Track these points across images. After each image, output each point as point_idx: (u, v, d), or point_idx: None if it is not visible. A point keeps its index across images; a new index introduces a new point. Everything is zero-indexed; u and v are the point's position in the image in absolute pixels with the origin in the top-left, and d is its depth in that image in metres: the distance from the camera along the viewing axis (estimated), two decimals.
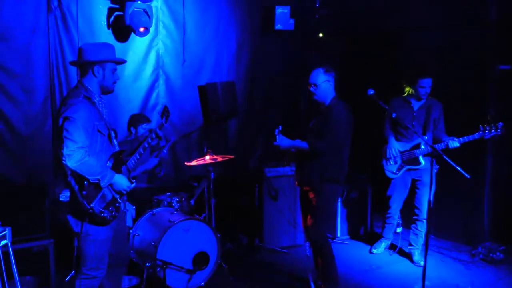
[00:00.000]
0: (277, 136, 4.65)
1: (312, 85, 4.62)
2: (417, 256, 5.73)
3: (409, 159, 5.52)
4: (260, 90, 7.26)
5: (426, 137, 5.41)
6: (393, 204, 5.81)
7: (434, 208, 5.54)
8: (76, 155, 3.52)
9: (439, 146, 5.23)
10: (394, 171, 5.65)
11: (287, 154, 4.99)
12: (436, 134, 5.46)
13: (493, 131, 5.08)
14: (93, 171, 3.62)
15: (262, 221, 6.12)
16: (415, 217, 5.73)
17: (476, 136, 5.14)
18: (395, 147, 5.59)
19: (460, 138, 5.19)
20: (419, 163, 5.47)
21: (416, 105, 5.56)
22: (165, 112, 4.11)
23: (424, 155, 5.44)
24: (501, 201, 6.03)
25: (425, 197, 5.57)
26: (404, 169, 5.58)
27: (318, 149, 4.53)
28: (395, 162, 5.61)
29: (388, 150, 5.63)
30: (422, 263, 5.32)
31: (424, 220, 5.64)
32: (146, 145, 4.05)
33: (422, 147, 5.42)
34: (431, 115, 5.48)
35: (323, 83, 4.59)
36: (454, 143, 5.19)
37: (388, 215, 5.90)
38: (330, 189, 4.66)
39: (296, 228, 6.17)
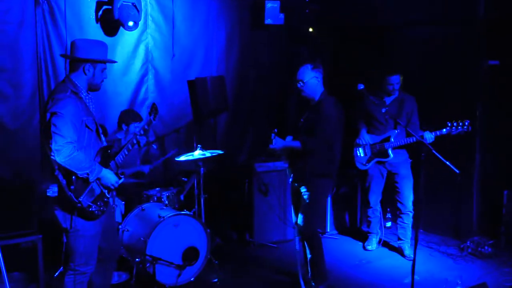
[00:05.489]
0: (274, 140, 4.68)
1: (300, 82, 4.64)
2: (408, 250, 5.77)
3: (379, 152, 5.66)
4: (249, 85, 7.24)
5: (397, 131, 5.56)
6: (372, 197, 5.92)
7: (420, 201, 5.64)
8: (65, 150, 3.50)
9: (412, 139, 5.39)
10: (364, 163, 5.81)
11: (278, 152, 5.00)
12: (411, 128, 5.49)
13: (459, 127, 5.17)
14: (82, 165, 3.60)
15: (252, 216, 6.12)
16: (398, 212, 5.83)
17: (444, 131, 5.20)
18: (366, 138, 5.76)
19: (432, 132, 5.24)
20: (388, 155, 5.61)
21: (388, 99, 5.67)
22: (153, 110, 4.12)
23: (393, 148, 5.58)
24: (489, 196, 6.07)
25: (406, 190, 5.71)
26: (373, 161, 5.74)
27: (309, 147, 4.55)
28: (365, 154, 5.76)
29: (358, 140, 5.80)
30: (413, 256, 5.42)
31: (410, 213, 5.75)
32: (135, 141, 4.06)
33: (392, 140, 5.55)
34: (403, 110, 5.59)
35: (311, 80, 4.60)
36: (429, 135, 5.23)
37: (370, 210, 5.99)
38: (322, 184, 4.67)
39: (286, 223, 6.17)
